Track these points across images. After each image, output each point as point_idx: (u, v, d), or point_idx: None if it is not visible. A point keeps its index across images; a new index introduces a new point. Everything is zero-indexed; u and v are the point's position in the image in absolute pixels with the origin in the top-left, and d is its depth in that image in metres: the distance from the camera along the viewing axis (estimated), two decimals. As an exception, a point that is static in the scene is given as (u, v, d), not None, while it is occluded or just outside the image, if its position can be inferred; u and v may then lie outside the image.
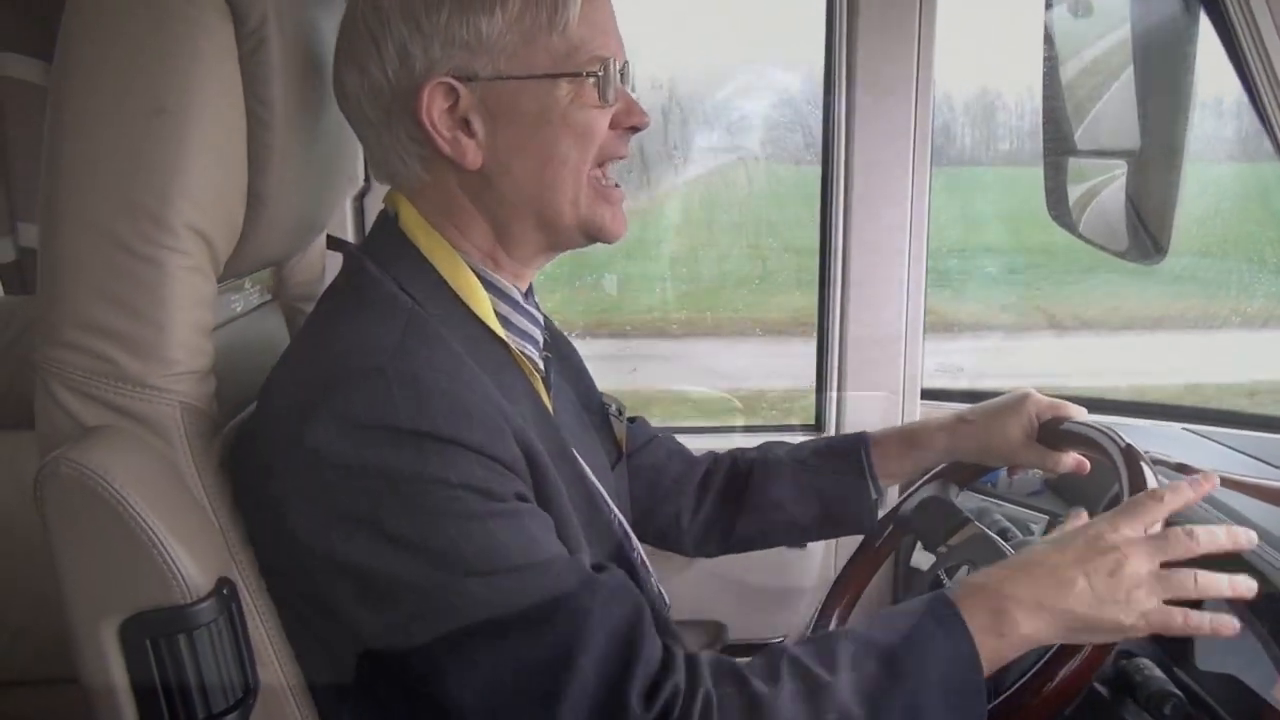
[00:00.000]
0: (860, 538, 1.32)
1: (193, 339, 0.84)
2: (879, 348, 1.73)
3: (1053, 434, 1.18)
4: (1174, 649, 1.24)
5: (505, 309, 0.97)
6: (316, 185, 1.01)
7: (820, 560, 1.70)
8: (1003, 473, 1.71)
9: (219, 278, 0.88)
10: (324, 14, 0.97)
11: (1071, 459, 1.20)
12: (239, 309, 1.01)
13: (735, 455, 1.34)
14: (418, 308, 0.88)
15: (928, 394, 1.79)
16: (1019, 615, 0.85)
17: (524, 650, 0.78)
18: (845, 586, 1.29)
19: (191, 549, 0.79)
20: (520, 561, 0.79)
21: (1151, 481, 0.98)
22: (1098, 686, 1.10)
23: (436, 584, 0.78)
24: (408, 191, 0.96)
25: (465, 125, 0.90)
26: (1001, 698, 0.90)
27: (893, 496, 1.35)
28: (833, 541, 1.63)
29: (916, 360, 1.75)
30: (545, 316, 1.18)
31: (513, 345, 0.96)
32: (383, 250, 0.94)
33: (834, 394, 1.77)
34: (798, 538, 1.32)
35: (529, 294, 1.02)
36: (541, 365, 1.02)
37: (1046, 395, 1.22)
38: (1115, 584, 0.86)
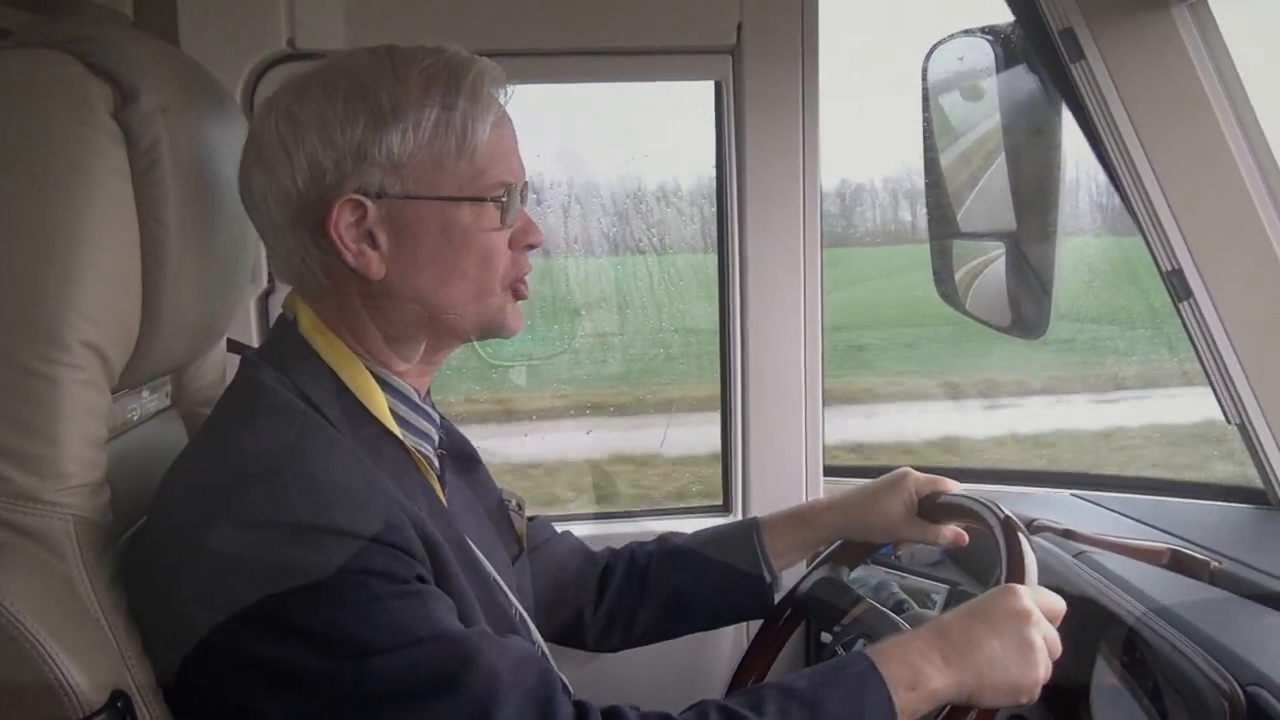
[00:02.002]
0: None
1: (86, 452, 0.85)
2: (781, 427, 1.78)
3: (932, 508, 1.24)
4: (1063, 711, 1.30)
5: (403, 409, 1.00)
6: (215, 292, 1.03)
7: (731, 644, 1.71)
8: (899, 549, 1.78)
9: (113, 389, 0.89)
10: (220, 130, 1.00)
11: (951, 531, 1.26)
12: (135, 417, 1.02)
13: (633, 549, 1.37)
14: (313, 410, 0.91)
15: (830, 471, 1.83)
16: (931, 671, 0.90)
17: (438, 712, 0.80)
18: (749, 671, 1.32)
19: (84, 663, 0.79)
20: (425, 634, 0.81)
21: (1028, 550, 1.03)
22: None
23: (346, 669, 0.80)
24: (308, 294, 0.98)
25: (370, 238, 0.93)
26: None
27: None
28: (742, 626, 1.65)
29: (818, 438, 1.79)
30: (442, 416, 1.21)
31: (409, 444, 0.98)
32: (280, 354, 0.96)
33: (739, 475, 1.81)
34: (699, 625, 1.35)
35: (426, 395, 1.05)
36: (437, 463, 1.05)
37: (923, 472, 1.28)
38: (1022, 646, 0.93)
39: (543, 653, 1.08)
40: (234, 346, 1.24)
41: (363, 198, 0.92)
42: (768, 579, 1.29)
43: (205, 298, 1.00)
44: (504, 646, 0.85)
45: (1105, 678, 1.30)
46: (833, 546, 1.33)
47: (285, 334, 0.98)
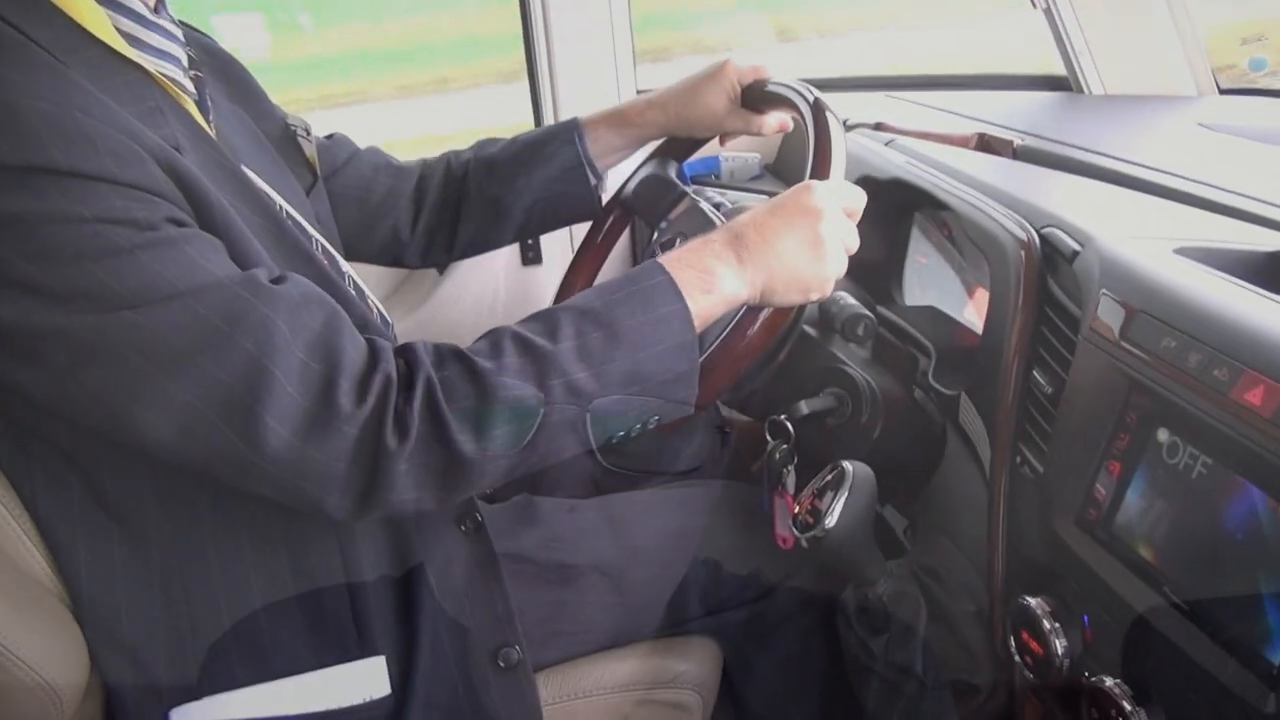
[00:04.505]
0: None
1: None
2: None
3: (754, 96, 1.19)
4: (878, 291, 1.34)
5: (129, 25, 0.85)
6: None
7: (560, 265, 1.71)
8: (724, 161, 1.77)
9: None
10: None
11: (775, 119, 1.23)
12: None
13: (449, 158, 1.29)
14: (12, 31, 0.76)
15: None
16: (725, 273, 0.87)
17: (210, 372, 0.73)
18: (577, 273, 1.30)
19: None
20: (184, 287, 0.73)
21: (836, 135, 1.00)
22: (807, 329, 1.18)
23: (92, 327, 0.71)
24: None
25: None
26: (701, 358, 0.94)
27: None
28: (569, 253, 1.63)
29: (627, 46, 1.73)
30: (202, 34, 1.06)
31: (150, 67, 0.85)
32: None
33: (549, 87, 1.73)
34: (525, 232, 1.30)
35: (160, 8, 0.91)
36: (191, 86, 0.93)
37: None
38: (814, 243, 0.90)
39: (353, 282, 1.03)
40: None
41: None
42: (592, 181, 1.25)
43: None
44: (279, 294, 0.77)
45: (915, 254, 1.35)
46: (658, 144, 1.29)
47: None
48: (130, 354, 0.72)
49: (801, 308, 1.15)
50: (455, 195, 1.27)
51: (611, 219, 1.30)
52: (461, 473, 0.78)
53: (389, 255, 1.29)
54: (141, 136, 0.75)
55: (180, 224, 0.76)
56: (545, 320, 0.84)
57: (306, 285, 0.81)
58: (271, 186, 0.97)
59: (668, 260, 0.88)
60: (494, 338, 0.83)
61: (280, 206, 0.96)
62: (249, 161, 0.96)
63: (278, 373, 0.74)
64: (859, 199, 0.95)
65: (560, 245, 1.81)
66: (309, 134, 1.14)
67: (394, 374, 0.78)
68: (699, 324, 0.86)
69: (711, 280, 0.87)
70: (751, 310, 0.92)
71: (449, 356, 0.81)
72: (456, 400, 0.78)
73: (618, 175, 1.30)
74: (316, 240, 1.02)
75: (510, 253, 1.80)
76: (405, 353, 0.81)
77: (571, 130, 1.23)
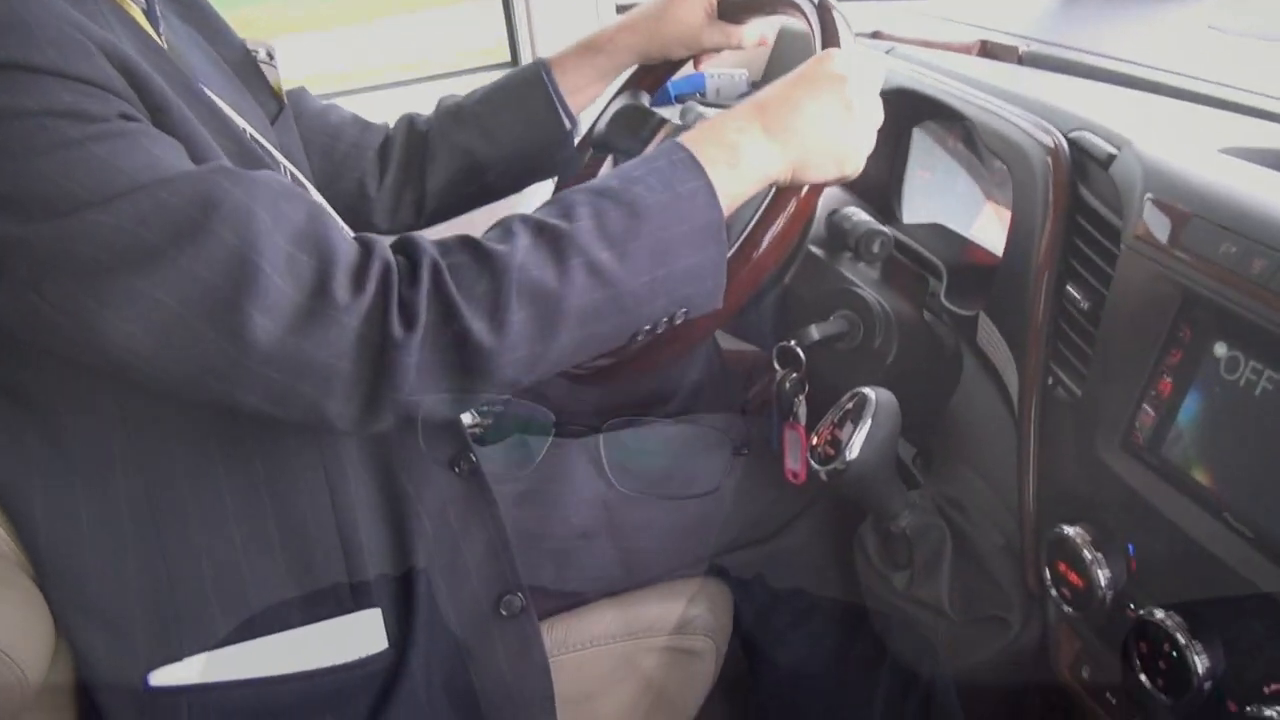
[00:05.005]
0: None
1: None
2: None
3: (733, 5, 1.12)
4: (882, 207, 1.27)
5: None
6: None
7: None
8: (710, 79, 1.68)
9: None
10: None
11: (755, 31, 1.16)
12: None
13: (411, 116, 1.22)
14: None
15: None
16: (751, 146, 0.81)
17: (186, 269, 0.65)
18: None
19: None
20: (147, 179, 0.65)
21: (841, 19, 0.94)
22: (813, 249, 1.11)
23: (52, 234, 0.64)
24: None
25: None
26: (729, 253, 0.88)
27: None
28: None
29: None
30: None
31: None
32: None
33: (527, 26, 1.63)
34: (499, 188, 1.22)
35: None
36: None
37: None
38: (844, 109, 0.84)
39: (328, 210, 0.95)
40: None
41: None
42: (566, 124, 1.16)
43: None
44: (256, 180, 0.69)
45: (916, 170, 1.28)
46: (629, 73, 1.21)
47: None
48: (96, 255, 0.64)
49: (809, 222, 1.08)
50: (421, 148, 1.19)
51: (587, 162, 1.22)
52: (478, 365, 0.71)
53: (357, 215, 1.19)
54: (87, 29, 0.67)
55: (133, 119, 0.68)
56: (558, 203, 0.77)
57: (283, 179, 0.73)
58: (234, 110, 0.88)
59: (687, 137, 0.81)
60: (504, 223, 0.76)
61: (244, 129, 0.87)
62: (207, 82, 0.87)
63: (263, 264, 0.66)
64: (879, 68, 0.90)
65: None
66: (272, 58, 1.05)
67: (392, 261, 0.71)
68: (726, 204, 0.79)
69: (737, 155, 0.80)
70: (781, 193, 0.86)
71: (456, 243, 0.74)
72: (467, 285, 0.71)
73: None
74: (285, 167, 0.94)
75: (487, 215, 1.70)
76: (405, 244, 0.74)
77: (539, 70, 1.15)
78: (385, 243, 0.73)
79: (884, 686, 1.11)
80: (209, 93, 0.84)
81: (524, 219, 0.76)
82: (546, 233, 0.74)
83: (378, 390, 0.69)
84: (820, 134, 0.83)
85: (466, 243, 0.74)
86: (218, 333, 0.66)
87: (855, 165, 0.87)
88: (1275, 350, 0.69)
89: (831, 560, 1.09)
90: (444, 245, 0.74)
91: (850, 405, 0.93)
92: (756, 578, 1.10)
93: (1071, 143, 0.91)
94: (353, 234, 0.73)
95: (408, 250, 0.72)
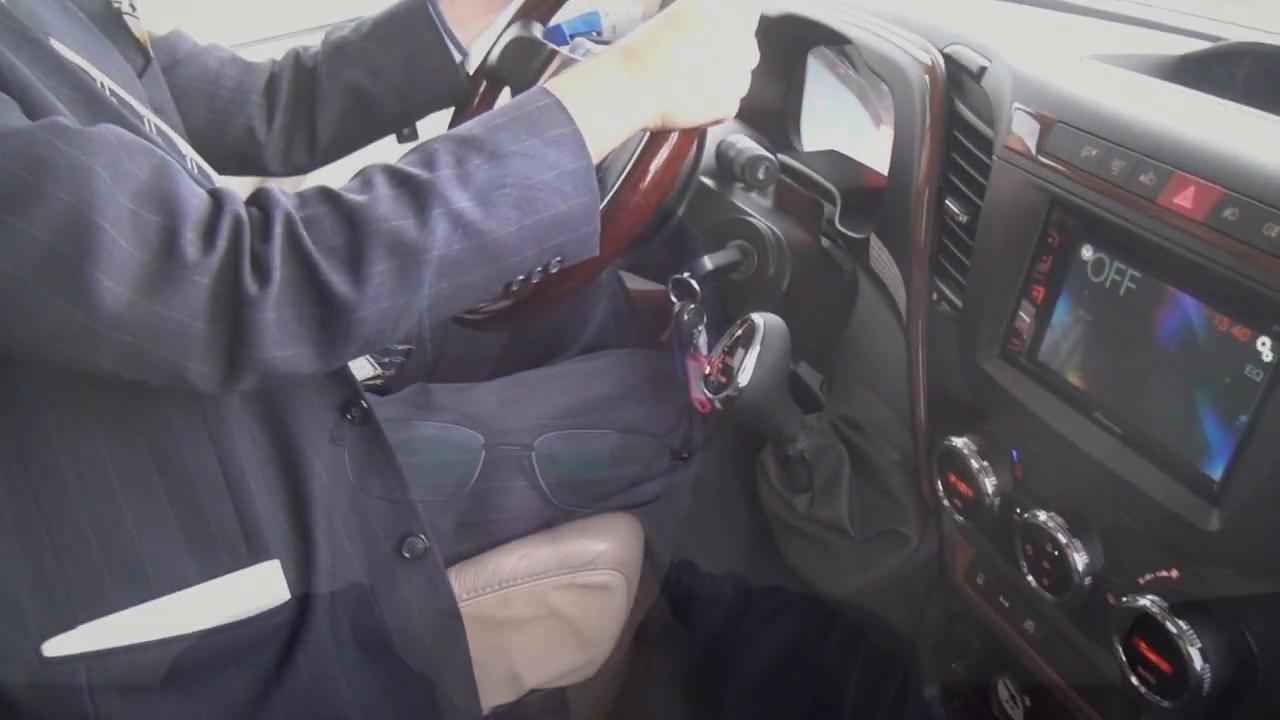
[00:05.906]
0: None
1: None
2: None
3: None
4: (776, 138, 1.27)
5: None
6: None
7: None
8: (604, 16, 1.66)
9: None
10: None
11: None
12: None
13: (297, 52, 1.17)
14: None
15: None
16: (619, 91, 0.79)
17: (21, 230, 0.62)
18: None
19: None
20: None
21: None
22: (705, 180, 1.10)
23: None
24: None
25: None
26: (603, 202, 0.87)
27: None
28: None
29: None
30: None
31: None
32: None
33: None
34: (391, 122, 1.18)
35: None
36: None
37: None
38: (717, 51, 0.82)
39: (199, 169, 0.92)
40: None
41: None
42: (457, 57, 1.13)
43: None
44: (91, 136, 0.65)
45: (812, 97, 1.28)
46: (520, 2, 1.18)
47: None
48: None
49: (699, 153, 1.08)
50: (309, 86, 1.14)
51: (480, 94, 1.19)
52: (340, 319, 0.69)
53: (247, 161, 1.15)
54: None
55: None
56: (420, 152, 0.75)
57: (124, 133, 0.69)
58: (92, 64, 0.85)
59: (554, 84, 0.79)
60: (364, 174, 0.74)
61: (100, 83, 0.84)
62: (59, 36, 0.83)
63: (104, 224, 0.63)
64: (754, 6, 0.86)
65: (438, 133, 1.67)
66: (134, 9, 1.01)
67: (244, 215, 0.68)
68: (596, 151, 0.77)
69: (605, 100, 0.78)
70: (654, 137, 0.85)
71: (312, 196, 0.72)
72: (323, 238, 0.68)
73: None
74: (148, 119, 0.91)
75: (380, 149, 1.66)
76: (258, 196, 0.71)
77: (424, 2, 1.12)
78: (238, 196, 0.70)
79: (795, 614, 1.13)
80: (59, 46, 0.80)
81: (384, 168, 0.74)
82: (407, 183, 0.72)
83: (236, 349, 0.67)
84: (690, 77, 0.81)
85: (324, 194, 0.71)
86: (64, 298, 0.63)
87: (729, 107, 0.85)
88: (1136, 250, 0.70)
89: (736, 486, 1.10)
90: (301, 197, 0.72)
91: (740, 332, 0.93)
92: (664, 507, 1.10)
93: (947, 57, 0.92)
94: (206, 188, 0.71)
95: (261, 203, 0.70)
